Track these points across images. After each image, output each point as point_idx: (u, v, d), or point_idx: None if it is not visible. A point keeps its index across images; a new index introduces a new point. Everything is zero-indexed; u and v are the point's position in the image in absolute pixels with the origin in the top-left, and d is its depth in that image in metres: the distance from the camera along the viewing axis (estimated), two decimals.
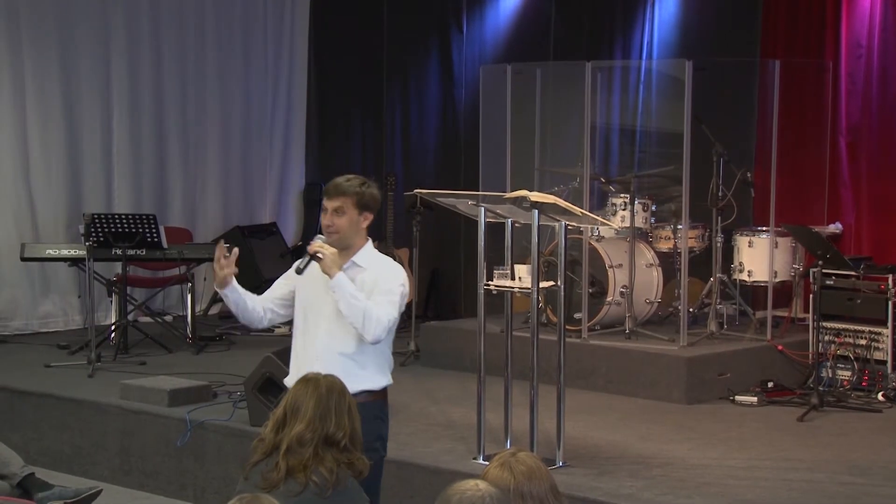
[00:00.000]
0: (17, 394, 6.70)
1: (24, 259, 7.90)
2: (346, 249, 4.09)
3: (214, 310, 9.53)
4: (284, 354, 5.83)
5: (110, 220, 7.74)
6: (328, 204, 4.07)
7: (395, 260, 4.39)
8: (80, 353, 7.42)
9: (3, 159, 8.40)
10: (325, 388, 3.39)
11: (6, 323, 8.40)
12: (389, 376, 4.11)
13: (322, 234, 4.17)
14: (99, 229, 7.63)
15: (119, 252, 7.65)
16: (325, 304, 4.06)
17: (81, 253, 7.52)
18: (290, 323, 9.53)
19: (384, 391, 4.09)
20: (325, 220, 4.08)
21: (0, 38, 8.31)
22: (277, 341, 7.94)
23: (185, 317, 8.19)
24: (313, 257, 4.02)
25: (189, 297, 8.13)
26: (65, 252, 7.80)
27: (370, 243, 4.18)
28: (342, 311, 3.95)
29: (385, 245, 9.15)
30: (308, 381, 3.43)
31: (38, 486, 5.53)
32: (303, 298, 4.20)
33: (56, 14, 8.58)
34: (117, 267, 7.89)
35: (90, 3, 8.76)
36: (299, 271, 4.11)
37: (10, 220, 8.43)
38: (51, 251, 7.81)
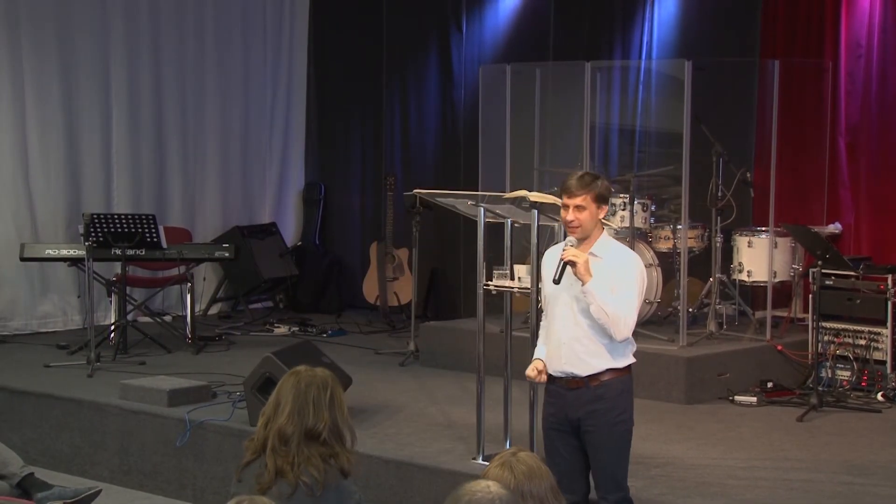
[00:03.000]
0: (16, 394, 6.70)
1: (23, 259, 7.90)
2: (584, 240, 4.36)
3: (214, 310, 9.54)
4: (284, 354, 5.86)
5: (110, 220, 7.74)
6: (569, 201, 4.32)
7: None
8: (80, 353, 7.42)
9: (2, 159, 8.41)
10: (304, 382, 3.40)
11: (5, 323, 8.40)
12: (630, 355, 4.37)
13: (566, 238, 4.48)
14: (98, 229, 7.64)
15: (118, 252, 7.65)
16: (558, 297, 4.39)
17: (81, 253, 7.52)
18: (288, 323, 9.54)
19: (628, 368, 4.35)
20: (567, 216, 4.34)
21: None
22: (277, 341, 7.97)
23: (185, 317, 8.19)
24: (568, 264, 4.27)
25: (188, 297, 8.13)
26: (64, 252, 7.80)
27: (605, 233, 4.40)
28: (593, 315, 4.25)
29: (385, 245, 9.17)
30: (291, 374, 3.46)
31: (38, 486, 5.53)
32: (545, 294, 4.55)
33: (55, 14, 8.58)
34: (117, 267, 7.90)
35: (90, 3, 8.77)
36: (556, 281, 4.37)
37: (10, 220, 8.43)
38: (50, 251, 7.81)
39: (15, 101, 8.42)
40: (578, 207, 4.30)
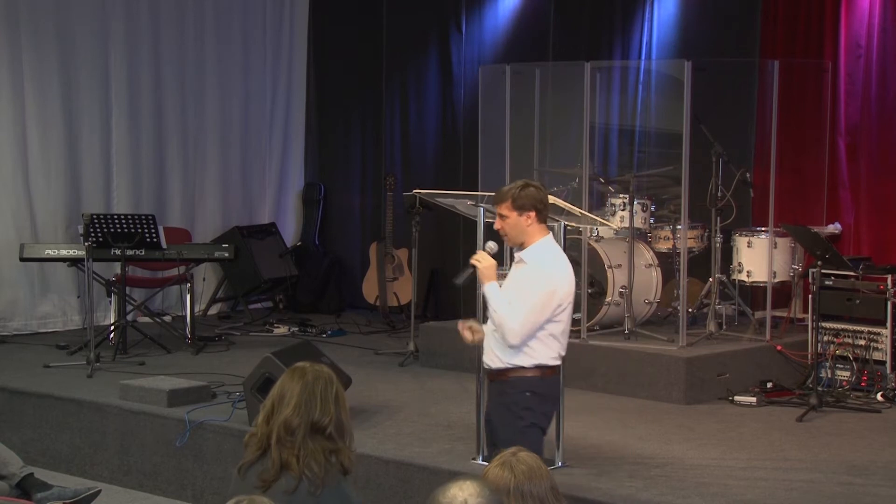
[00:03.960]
0: (16, 394, 6.69)
1: (23, 259, 7.90)
2: (520, 247, 4.55)
3: (213, 310, 9.54)
4: (283, 355, 5.86)
5: (109, 221, 7.74)
6: (496, 210, 4.58)
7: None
8: (80, 354, 7.42)
9: (2, 159, 8.40)
10: (311, 375, 3.42)
11: (5, 323, 8.40)
12: (542, 358, 4.47)
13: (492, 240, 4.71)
14: (98, 229, 7.64)
15: (118, 252, 7.65)
16: None
17: (80, 253, 7.52)
18: (288, 323, 9.55)
19: (538, 369, 4.48)
20: (495, 224, 4.60)
21: None
22: (277, 342, 7.97)
23: (185, 317, 8.19)
24: (475, 267, 4.56)
25: (188, 297, 8.13)
26: (64, 252, 7.80)
27: (543, 241, 4.53)
28: (490, 315, 4.49)
29: (384, 245, 9.17)
30: (295, 370, 3.47)
31: (38, 487, 5.52)
32: None
33: (55, 14, 8.58)
34: (116, 267, 7.90)
35: (90, 3, 8.77)
36: (457, 282, 4.65)
37: (10, 221, 8.43)
38: (50, 251, 7.81)
39: (15, 100, 8.42)
40: (501, 216, 4.52)
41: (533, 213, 4.47)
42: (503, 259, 5.37)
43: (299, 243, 10.14)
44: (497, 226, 4.55)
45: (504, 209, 4.50)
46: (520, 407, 4.47)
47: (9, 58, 8.36)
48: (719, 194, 7.17)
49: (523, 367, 4.47)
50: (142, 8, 9.07)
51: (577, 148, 7.28)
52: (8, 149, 8.42)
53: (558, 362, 4.58)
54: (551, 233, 4.63)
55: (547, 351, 4.49)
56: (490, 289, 4.49)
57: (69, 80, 8.69)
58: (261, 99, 9.94)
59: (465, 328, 4.65)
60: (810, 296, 6.79)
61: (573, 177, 7.44)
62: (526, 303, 4.41)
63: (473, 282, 4.73)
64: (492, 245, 4.63)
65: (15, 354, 7.76)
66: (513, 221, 4.49)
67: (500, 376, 4.53)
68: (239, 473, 3.40)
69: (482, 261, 4.53)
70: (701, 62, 6.91)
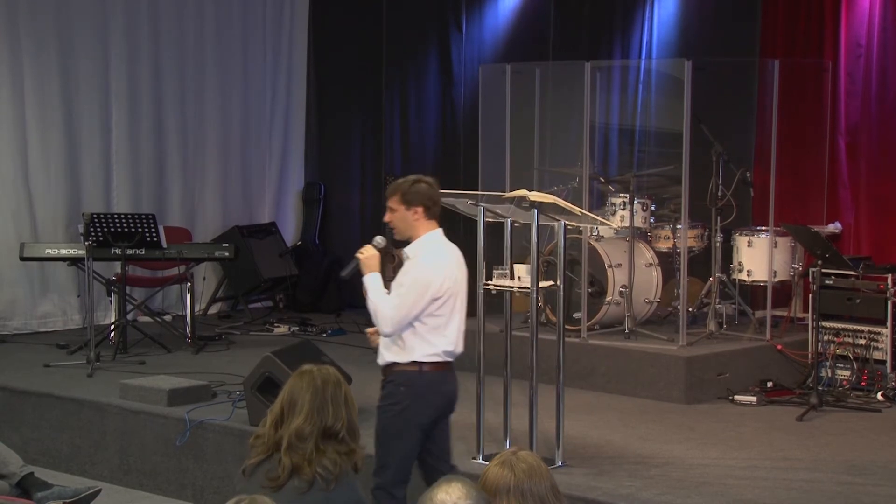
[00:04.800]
0: (16, 393, 6.69)
1: (23, 258, 7.90)
2: (408, 241, 4.62)
3: (213, 309, 9.54)
4: (284, 354, 5.85)
5: (109, 220, 7.74)
6: (387, 204, 4.64)
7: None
8: (80, 353, 7.42)
9: (2, 159, 8.40)
10: (320, 380, 3.40)
11: (5, 322, 8.40)
12: (421, 354, 4.51)
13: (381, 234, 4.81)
14: (98, 229, 7.63)
15: (118, 252, 7.65)
16: None
17: (81, 252, 7.52)
18: (288, 323, 9.54)
19: (415, 364, 4.52)
20: (385, 218, 4.66)
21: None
22: (277, 341, 7.96)
23: (185, 316, 8.19)
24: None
25: (188, 296, 8.13)
26: (64, 251, 7.80)
27: (428, 235, 4.59)
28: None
29: (384, 245, 9.16)
30: (303, 374, 3.45)
31: (38, 486, 5.52)
32: None
33: (55, 13, 8.58)
34: (116, 266, 7.89)
35: (90, 4, 8.76)
36: (344, 276, 4.77)
37: (10, 220, 8.43)
38: (50, 251, 7.81)
39: (15, 100, 8.42)
40: (391, 210, 4.61)
41: (421, 209, 4.55)
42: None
43: (299, 243, 10.14)
44: (386, 218, 4.65)
45: (394, 202, 4.59)
46: (391, 399, 4.56)
47: (9, 57, 8.36)
48: (719, 194, 7.17)
49: (401, 363, 4.54)
50: (141, 8, 9.06)
51: (577, 147, 7.28)
52: (8, 148, 8.42)
53: (444, 359, 4.55)
54: (440, 229, 4.68)
55: (426, 347, 4.51)
56: (368, 279, 4.57)
57: (69, 79, 8.68)
58: (261, 98, 9.93)
59: (371, 332, 4.72)
60: (810, 295, 6.79)
61: (573, 176, 7.44)
62: (400, 294, 4.48)
63: (473, 280, 4.73)
64: (379, 240, 4.71)
65: (15, 354, 7.76)
66: (400, 215, 4.58)
67: (385, 372, 4.62)
68: (244, 475, 3.39)
69: (364, 253, 4.63)
70: (701, 62, 6.91)
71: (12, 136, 8.42)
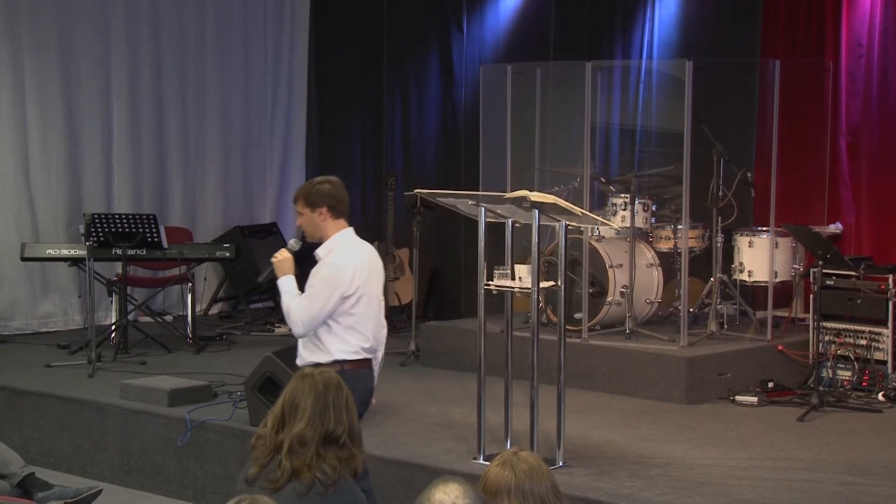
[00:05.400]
0: (17, 393, 6.70)
1: (24, 259, 7.91)
2: (320, 242, 4.72)
3: (214, 310, 9.54)
4: (285, 354, 5.85)
5: (110, 220, 7.74)
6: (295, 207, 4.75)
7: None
8: (81, 353, 7.42)
9: (3, 159, 8.41)
10: (322, 384, 3.40)
11: (6, 323, 8.40)
12: (338, 352, 4.59)
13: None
14: (99, 229, 7.64)
15: (119, 252, 7.66)
16: None
17: (82, 253, 7.52)
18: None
19: (336, 364, 4.54)
20: (297, 221, 4.76)
21: (0, 38, 8.32)
22: (278, 341, 7.96)
23: (186, 317, 8.19)
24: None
25: (189, 296, 8.13)
26: (65, 252, 7.80)
27: (338, 235, 4.67)
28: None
29: (385, 245, 9.17)
30: (305, 377, 3.44)
31: (39, 486, 5.52)
32: None
33: (56, 13, 8.58)
34: (117, 267, 7.90)
35: (90, 3, 8.77)
36: (261, 281, 5.00)
37: (11, 220, 8.43)
38: (51, 251, 7.82)
39: (16, 101, 8.42)
40: (298, 213, 4.69)
41: (325, 209, 4.62)
42: None
43: (301, 243, 10.13)
44: (298, 223, 4.74)
45: (299, 206, 4.67)
46: None
47: (10, 57, 8.36)
48: (720, 194, 7.17)
49: (322, 364, 4.54)
50: (142, 8, 9.07)
51: (578, 147, 7.28)
52: (9, 148, 8.42)
53: (363, 355, 4.64)
54: (351, 228, 4.75)
55: (344, 346, 4.59)
56: (282, 282, 4.65)
57: (70, 80, 8.69)
58: (262, 98, 9.94)
59: None
60: (811, 295, 6.78)
61: (574, 176, 7.44)
62: (310, 294, 4.56)
63: (474, 280, 4.73)
64: (293, 243, 4.83)
65: (16, 354, 7.76)
66: (307, 218, 4.65)
67: None
68: (247, 484, 3.38)
69: (278, 256, 4.71)
70: (702, 62, 6.91)
71: (13, 136, 8.43)
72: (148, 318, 8.40)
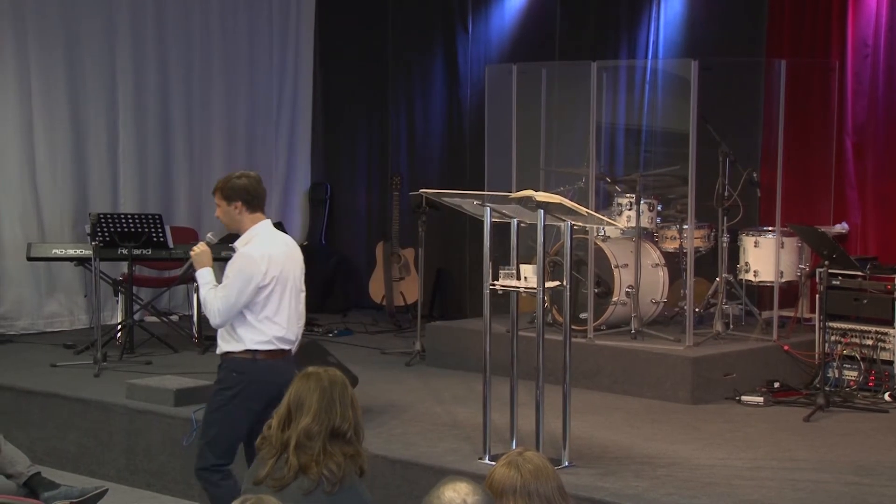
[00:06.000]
0: (23, 393, 6.71)
1: (30, 259, 7.92)
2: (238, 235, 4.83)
3: None
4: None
5: (116, 220, 7.75)
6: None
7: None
8: (86, 353, 7.43)
9: (9, 159, 8.42)
10: (327, 381, 3.41)
11: (12, 322, 8.42)
12: (251, 343, 4.70)
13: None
14: (105, 229, 7.65)
15: (125, 252, 7.66)
16: None
17: (87, 253, 7.53)
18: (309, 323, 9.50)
19: (247, 353, 4.70)
20: (215, 213, 4.88)
21: (5, 37, 8.34)
22: None
23: (191, 316, 8.20)
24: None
25: (195, 296, 8.12)
26: (71, 252, 7.81)
27: (255, 227, 4.77)
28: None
29: (390, 245, 9.18)
30: (309, 375, 3.45)
31: (45, 486, 5.53)
32: None
33: (61, 14, 8.60)
34: (123, 266, 7.91)
35: (96, 4, 8.78)
36: (181, 274, 5.25)
37: (17, 220, 8.45)
38: (57, 251, 7.83)
39: (22, 101, 8.44)
40: (217, 206, 4.81)
41: (240, 203, 4.73)
42: None
43: (306, 243, 10.14)
44: (216, 214, 4.86)
45: (217, 199, 4.80)
46: (223, 384, 4.73)
47: (15, 57, 8.38)
48: (726, 194, 7.16)
49: (234, 352, 4.72)
50: (147, 8, 9.08)
51: (583, 147, 7.27)
52: (15, 149, 8.44)
53: (277, 346, 4.72)
54: (268, 221, 4.85)
55: (258, 336, 4.68)
56: (200, 274, 4.79)
57: (76, 80, 8.70)
58: (267, 98, 9.94)
59: None
60: (817, 296, 6.78)
61: (579, 176, 7.44)
62: (226, 285, 4.66)
63: (479, 280, 4.73)
64: (210, 237, 5.08)
65: (22, 354, 7.78)
66: (224, 210, 4.76)
67: (223, 359, 4.79)
68: (255, 484, 3.38)
69: (196, 249, 4.86)
70: (707, 61, 6.90)
71: (19, 136, 8.44)
72: (154, 318, 8.41)
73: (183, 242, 8.18)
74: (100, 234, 7.59)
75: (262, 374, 4.69)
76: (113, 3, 8.88)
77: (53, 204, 8.65)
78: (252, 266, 4.64)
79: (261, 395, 4.66)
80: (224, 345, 4.75)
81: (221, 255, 8.15)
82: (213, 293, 4.68)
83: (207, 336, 8.11)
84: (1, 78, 8.34)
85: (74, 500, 5.45)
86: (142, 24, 9.05)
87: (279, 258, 4.73)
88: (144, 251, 7.78)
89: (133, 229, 7.73)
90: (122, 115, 8.99)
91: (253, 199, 4.74)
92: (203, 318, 8.27)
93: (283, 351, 4.74)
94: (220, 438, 4.73)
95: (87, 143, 8.81)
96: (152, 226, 7.79)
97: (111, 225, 7.69)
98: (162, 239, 7.82)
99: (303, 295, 4.87)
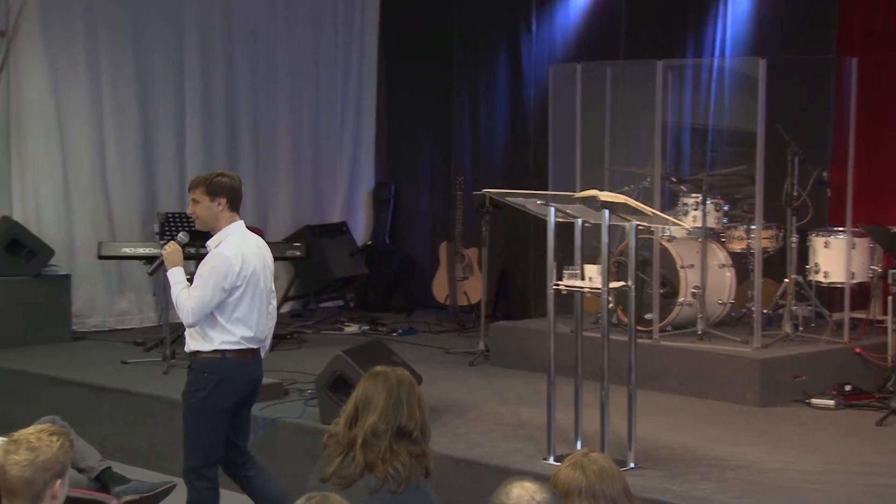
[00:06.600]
0: (95, 389, 6.83)
1: (100, 257, 8.06)
2: (208, 232, 4.88)
3: (285, 308, 9.63)
4: (355, 353, 5.89)
5: (184, 219, 7.86)
6: (190, 196, 4.87)
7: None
8: (156, 350, 7.55)
9: (81, 160, 8.59)
10: (395, 380, 3.42)
11: (84, 320, 8.58)
12: (221, 343, 4.78)
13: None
14: (173, 228, 7.76)
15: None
16: None
17: (156, 251, 7.62)
18: (359, 322, 9.57)
19: (217, 353, 4.79)
20: (189, 209, 4.91)
21: (78, 41, 8.51)
22: (348, 340, 8.03)
23: None
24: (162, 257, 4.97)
25: None
26: (140, 251, 7.94)
27: (230, 227, 4.83)
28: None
29: (454, 244, 9.19)
30: (377, 374, 3.46)
31: (115, 480, 5.61)
32: None
33: (131, 18, 8.75)
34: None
35: (164, 9, 8.92)
36: (150, 273, 5.27)
37: (88, 220, 8.61)
38: (127, 249, 7.96)
39: (93, 104, 8.60)
40: (194, 201, 4.82)
41: (224, 200, 4.78)
42: None
43: (370, 242, 10.20)
44: (190, 210, 4.87)
45: (197, 194, 4.79)
46: (195, 386, 4.82)
47: (86, 61, 8.54)
48: (795, 194, 7.05)
49: (204, 352, 4.79)
50: (215, 10, 9.19)
51: (648, 147, 7.21)
52: (87, 150, 8.60)
53: (245, 346, 4.81)
54: (241, 221, 4.88)
55: (227, 337, 4.76)
56: (171, 273, 4.85)
57: (145, 81, 8.85)
58: (332, 99, 10.01)
59: None
60: (890, 297, 6.64)
61: (644, 176, 7.38)
62: (199, 285, 4.72)
63: (543, 280, 4.70)
64: (182, 236, 5.09)
65: (93, 351, 7.92)
66: (204, 206, 4.78)
67: (191, 358, 4.88)
68: (322, 482, 3.40)
69: (168, 248, 4.93)
70: (776, 60, 6.80)
71: (91, 138, 8.61)
72: None
73: None
74: (168, 232, 7.70)
75: (231, 373, 4.80)
76: (182, 8, 9.01)
77: (123, 204, 8.80)
78: (226, 265, 4.72)
79: (232, 394, 4.81)
80: (193, 343, 4.83)
81: (286, 255, 8.35)
82: (185, 293, 4.75)
83: (274, 335, 8.16)
84: (73, 81, 8.51)
85: (144, 494, 5.53)
86: (209, 28, 9.17)
87: (251, 258, 4.81)
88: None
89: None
90: (189, 117, 9.11)
91: (236, 199, 4.85)
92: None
93: (251, 350, 4.86)
94: (200, 439, 4.86)
95: (156, 144, 8.95)
96: None
97: (179, 224, 7.80)
98: None
99: (274, 296, 4.98)
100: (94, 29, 8.57)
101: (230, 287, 4.72)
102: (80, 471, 5.64)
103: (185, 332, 4.90)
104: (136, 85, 8.80)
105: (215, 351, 4.78)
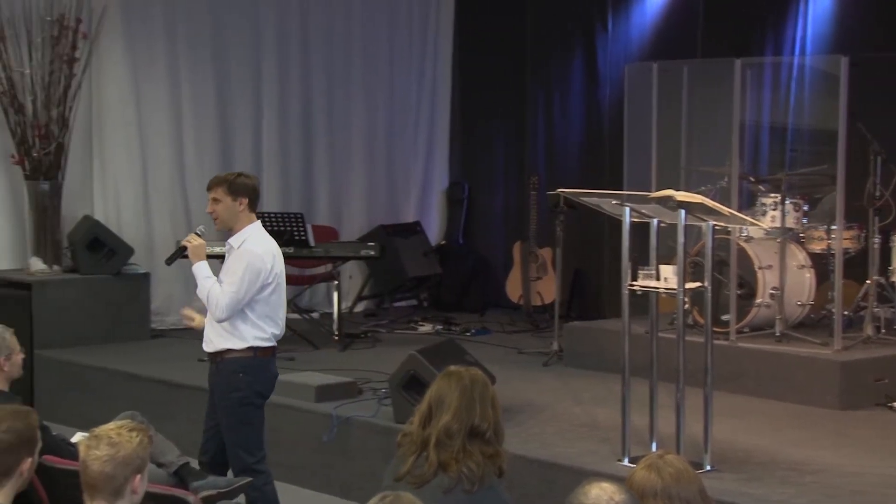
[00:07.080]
0: (173, 386, 6.95)
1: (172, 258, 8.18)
2: (229, 233, 4.93)
3: (359, 307, 9.70)
4: (428, 353, 5.91)
5: (260, 219, 7.92)
6: (209, 195, 4.91)
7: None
8: None
9: (160, 160, 8.75)
10: (468, 380, 3.42)
11: (162, 318, 8.73)
12: (253, 340, 4.83)
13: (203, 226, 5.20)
14: None
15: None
16: None
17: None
18: (432, 321, 9.60)
19: (250, 350, 4.84)
20: (208, 209, 4.94)
21: (158, 45, 8.67)
22: (421, 339, 8.05)
23: (332, 314, 8.35)
24: (184, 249, 4.98)
25: (335, 294, 8.29)
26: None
27: (251, 226, 4.90)
28: (198, 294, 4.90)
29: (528, 244, 9.17)
30: (451, 374, 3.46)
31: (193, 475, 5.68)
32: None
33: (210, 22, 8.89)
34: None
35: (242, 9, 9.05)
36: (168, 262, 5.26)
37: (167, 219, 8.77)
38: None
39: (172, 104, 8.76)
40: (214, 200, 4.86)
41: (246, 200, 4.84)
42: None
43: (443, 242, 10.22)
44: (209, 209, 4.90)
45: (218, 193, 4.84)
46: (231, 388, 4.84)
47: (167, 64, 8.70)
48: (877, 194, 6.90)
49: (236, 350, 4.81)
50: (292, 14, 9.29)
51: (725, 146, 7.12)
52: (166, 150, 8.76)
53: (272, 343, 4.90)
54: (259, 222, 4.94)
55: (257, 333, 4.83)
56: (197, 268, 4.90)
57: (223, 84, 8.99)
58: (406, 99, 10.06)
59: (185, 315, 5.11)
60: None
61: (722, 175, 7.28)
62: (233, 281, 4.77)
63: (617, 280, 4.67)
64: (202, 229, 5.09)
65: (171, 348, 8.06)
66: (226, 205, 4.83)
67: (217, 358, 4.89)
68: (396, 481, 3.41)
69: (192, 241, 4.93)
70: (858, 58, 6.65)
71: (170, 138, 8.77)
72: (295, 315, 8.59)
73: (323, 241, 8.35)
74: None
75: (261, 370, 4.87)
76: (259, 13, 9.13)
77: (201, 204, 8.89)
78: (259, 262, 4.79)
79: (263, 391, 4.89)
80: (221, 341, 4.84)
81: (361, 254, 8.41)
82: (217, 288, 4.80)
83: (348, 334, 8.26)
84: (153, 81, 8.67)
85: (222, 490, 5.59)
86: (287, 31, 9.28)
87: (279, 256, 4.91)
88: (286, 249, 7.93)
89: (276, 228, 7.92)
90: (266, 119, 9.23)
91: (256, 199, 4.94)
92: (343, 316, 8.45)
93: (274, 347, 4.93)
94: (247, 438, 4.91)
95: (234, 146, 9.08)
96: (294, 224, 7.96)
97: None
98: (303, 237, 7.98)
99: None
100: (173, 29, 8.73)
101: (262, 284, 4.80)
102: (160, 465, 5.72)
103: (207, 331, 4.91)
104: (214, 84, 8.94)
105: (248, 348, 4.83)
